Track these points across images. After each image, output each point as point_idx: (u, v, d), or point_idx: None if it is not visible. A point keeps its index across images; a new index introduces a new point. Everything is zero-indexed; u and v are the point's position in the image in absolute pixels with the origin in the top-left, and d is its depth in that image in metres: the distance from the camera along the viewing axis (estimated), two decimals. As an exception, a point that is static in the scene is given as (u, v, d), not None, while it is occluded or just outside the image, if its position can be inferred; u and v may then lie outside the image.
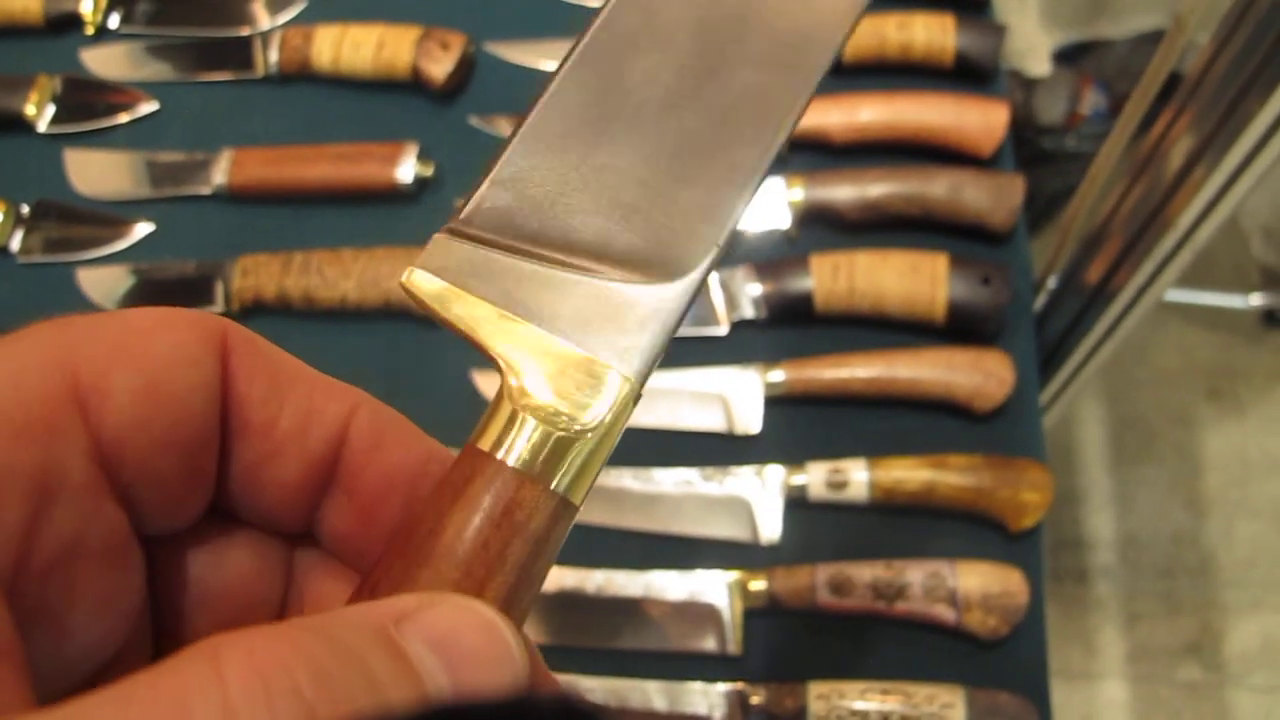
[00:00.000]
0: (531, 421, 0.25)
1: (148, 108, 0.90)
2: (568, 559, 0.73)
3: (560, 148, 0.28)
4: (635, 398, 0.27)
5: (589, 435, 0.26)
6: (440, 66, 0.86)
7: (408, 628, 0.20)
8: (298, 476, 0.25)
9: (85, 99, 0.91)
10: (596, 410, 0.26)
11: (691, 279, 0.27)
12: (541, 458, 0.25)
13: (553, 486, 0.25)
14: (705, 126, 0.29)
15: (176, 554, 0.26)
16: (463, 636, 0.21)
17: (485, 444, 0.25)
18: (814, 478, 0.72)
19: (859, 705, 0.66)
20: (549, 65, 0.87)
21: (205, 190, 0.86)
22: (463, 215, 0.27)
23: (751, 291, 0.78)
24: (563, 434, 0.26)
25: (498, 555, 0.24)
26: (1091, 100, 1.44)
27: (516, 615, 0.24)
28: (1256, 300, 1.63)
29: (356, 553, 0.27)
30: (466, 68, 0.89)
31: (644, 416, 0.77)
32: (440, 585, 0.23)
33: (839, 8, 0.30)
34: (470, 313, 0.27)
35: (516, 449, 0.25)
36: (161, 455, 0.23)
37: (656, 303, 0.27)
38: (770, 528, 0.72)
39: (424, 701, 0.20)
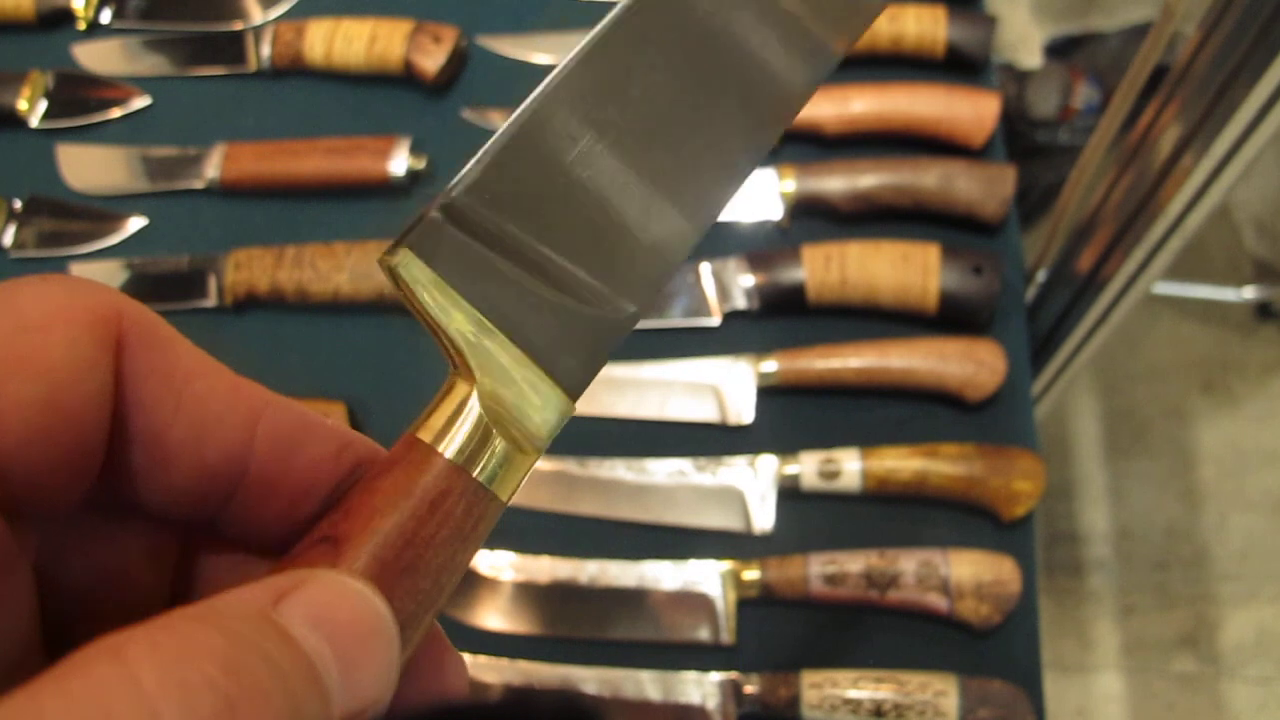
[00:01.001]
0: (473, 419, 0.26)
1: (140, 103, 0.90)
2: (562, 550, 0.73)
3: (551, 151, 0.29)
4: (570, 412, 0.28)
5: (528, 445, 0.27)
6: (432, 60, 0.86)
7: (286, 609, 0.20)
8: (191, 485, 0.24)
9: (77, 94, 0.91)
10: (540, 421, 0.27)
11: (640, 311, 0.29)
12: (478, 455, 0.26)
13: (484, 481, 0.26)
14: (677, 160, 0.29)
15: (57, 543, 0.24)
16: (338, 611, 0.21)
17: (425, 435, 0.26)
18: (807, 468, 0.73)
19: (852, 694, 0.66)
20: (541, 58, 0.87)
21: (198, 185, 0.86)
22: (454, 197, 0.27)
23: (744, 282, 0.78)
24: (502, 437, 0.26)
25: (425, 543, 0.25)
26: (1084, 94, 1.45)
27: (436, 604, 0.25)
28: (1249, 293, 1.64)
29: (266, 541, 0.26)
30: (459, 61, 0.89)
31: (637, 408, 0.77)
32: (364, 571, 0.24)
33: (807, 74, 0.31)
34: (448, 309, 0.26)
35: (455, 443, 0.26)
36: (51, 466, 0.22)
37: (610, 328, 0.29)
38: (763, 518, 0.73)
39: (317, 683, 0.20)
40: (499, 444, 0.26)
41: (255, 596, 0.20)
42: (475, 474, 0.26)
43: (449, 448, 0.25)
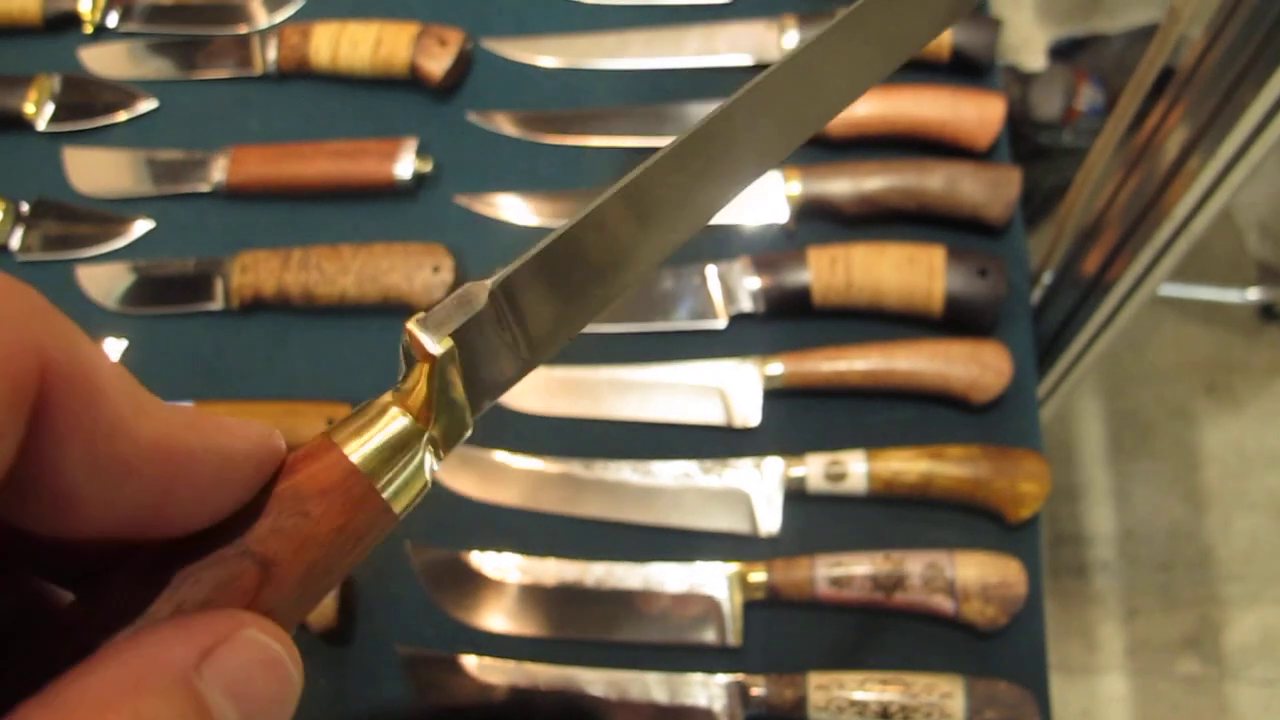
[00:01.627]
0: (413, 466, 0.27)
1: (146, 106, 0.91)
2: (568, 552, 0.73)
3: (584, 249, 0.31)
4: None
5: (428, 469, 0.28)
6: (438, 63, 0.86)
7: (209, 674, 0.22)
8: (93, 533, 0.22)
9: (84, 97, 0.91)
10: (448, 446, 0.28)
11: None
12: (403, 494, 0.27)
13: (397, 515, 0.27)
14: None
15: None
16: (255, 680, 0.23)
17: (338, 437, 0.27)
18: (813, 469, 0.73)
19: (858, 696, 0.66)
20: (546, 61, 0.87)
21: (204, 188, 0.86)
22: (493, 291, 0.28)
23: (749, 285, 0.78)
24: (411, 454, 0.28)
25: (340, 568, 0.26)
26: (1088, 96, 1.45)
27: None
28: (1253, 295, 1.64)
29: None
30: (464, 64, 0.89)
31: (642, 410, 0.77)
32: (290, 600, 0.25)
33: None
34: (457, 384, 0.28)
35: (394, 484, 0.27)
36: None
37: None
38: (769, 520, 0.73)
39: None
40: (420, 484, 0.28)
41: (179, 656, 0.21)
42: (397, 513, 0.27)
43: (388, 489, 0.27)
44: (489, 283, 0.28)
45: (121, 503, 0.22)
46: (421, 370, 0.28)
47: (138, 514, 0.23)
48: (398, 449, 0.27)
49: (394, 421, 0.27)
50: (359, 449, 0.27)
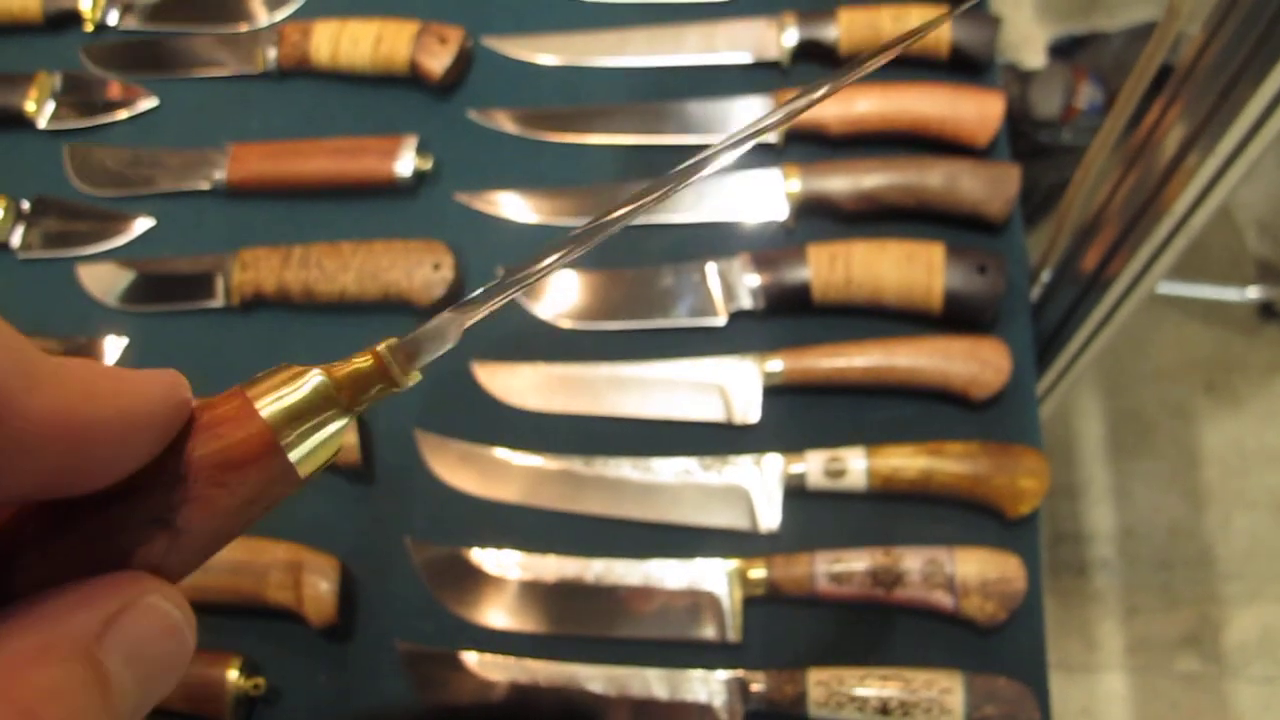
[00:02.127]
0: (308, 389, 0.28)
1: (147, 104, 0.91)
2: (568, 549, 0.73)
3: None
4: None
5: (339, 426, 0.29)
6: (438, 61, 0.87)
7: (109, 643, 0.22)
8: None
9: (85, 96, 0.91)
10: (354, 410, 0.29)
11: None
12: (300, 436, 0.28)
13: (295, 462, 0.27)
14: None
15: None
16: (153, 647, 0.24)
17: (252, 392, 0.28)
18: (812, 466, 0.73)
19: (858, 691, 0.66)
20: (545, 59, 0.87)
21: (205, 185, 0.86)
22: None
23: (749, 282, 0.78)
24: (326, 421, 0.28)
25: (241, 530, 0.27)
26: (1087, 94, 1.45)
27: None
28: (1253, 293, 1.64)
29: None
30: (464, 62, 0.89)
31: (642, 407, 0.77)
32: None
33: None
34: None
35: (274, 407, 0.27)
36: None
37: None
38: (769, 516, 0.73)
39: (112, 712, 0.22)
40: (331, 452, 0.28)
41: (81, 625, 0.22)
42: (303, 479, 0.28)
43: (305, 466, 0.27)
44: (464, 322, 0.30)
45: (20, 476, 0.22)
46: (367, 367, 0.29)
47: (39, 482, 0.23)
48: (314, 417, 0.28)
49: (312, 385, 0.28)
50: (278, 416, 0.27)
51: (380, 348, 0.29)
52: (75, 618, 0.22)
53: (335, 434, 0.28)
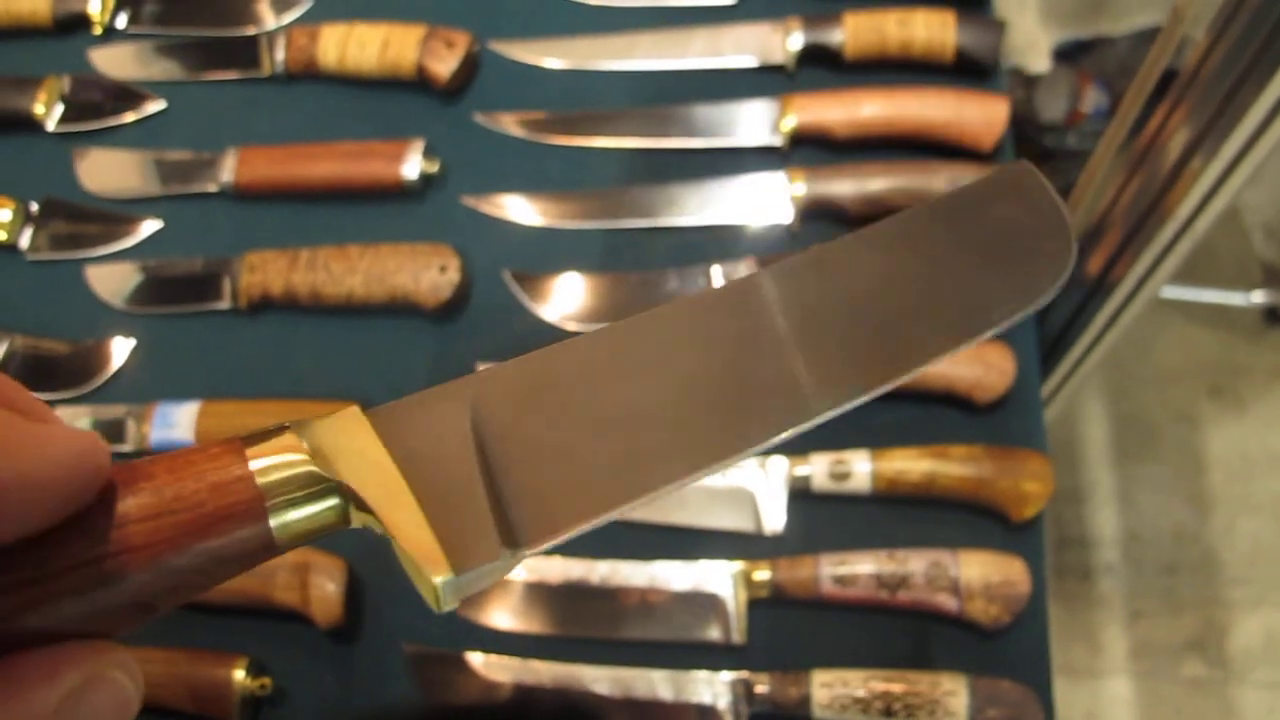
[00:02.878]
0: (304, 468, 0.29)
1: (155, 107, 0.91)
2: (573, 550, 0.73)
3: None
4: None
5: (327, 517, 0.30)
6: (445, 65, 0.87)
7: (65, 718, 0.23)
8: None
9: (93, 98, 0.92)
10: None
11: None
12: (286, 496, 0.29)
13: (270, 519, 0.28)
14: None
15: None
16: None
17: (251, 451, 0.28)
18: (817, 469, 0.73)
19: (862, 693, 0.67)
20: (552, 63, 0.88)
21: (212, 188, 0.87)
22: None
23: (754, 285, 0.78)
24: (326, 505, 0.29)
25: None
26: (1092, 98, 1.45)
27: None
28: (1258, 298, 1.64)
29: None
30: (471, 66, 0.89)
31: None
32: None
33: None
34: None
35: (272, 475, 0.28)
36: None
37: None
38: (774, 518, 0.73)
39: None
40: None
41: (42, 703, 0.23)
42: (270, 519, 0.28)
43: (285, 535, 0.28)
44: None
45: None
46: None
47: None
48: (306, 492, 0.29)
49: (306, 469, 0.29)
50: (248, 443, 0.28)
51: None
52: (36, 695, 0.23)
53: (324, 511, 0.29)
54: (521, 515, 0.31)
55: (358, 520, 0.30)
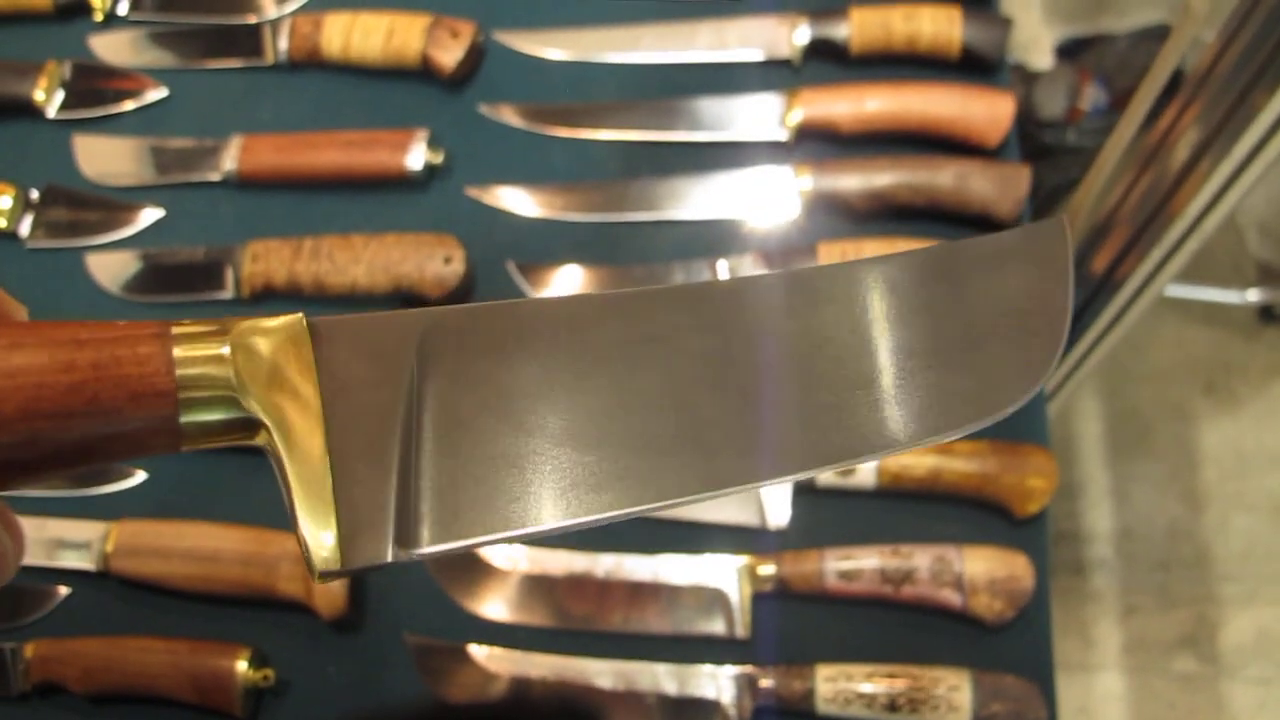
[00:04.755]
0: (225, 390, 0.29)
1: (156, 94, 0.91)
2: (578, 543, 0.73)
3: None
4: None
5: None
6: (450, 54, 0.87)
7: None
8: None
9: (94, 85, 0.91)
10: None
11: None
12: (200, 407, 0.29)
13: (180, 415, 0.28)
14: None
15: None
16: None
17: (178, 333, 0.29)
18: (821, 464, 0.73)
19: (866, 688, 0.67)
20: (557, 54, 0.87)
21: (215, 176, 0.86)
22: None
23: (759, 279, 0.78)
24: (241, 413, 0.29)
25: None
26: (1092, 95, 1.45)
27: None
28: (1253, 296, 1.64)
29: None
30: (476, 56, 0.89)
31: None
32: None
33: None
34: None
35: (195, 369, 0.29)
36: None
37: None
38: (778, 513, 0.73)
39: None
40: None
41: None
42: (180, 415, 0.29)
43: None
44: None
45: None
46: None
47: None
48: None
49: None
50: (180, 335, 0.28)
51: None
52: None
53: (232, 430, 0.28)
54: (430, 510, 0.29)
55: (262, 439, 0.29)
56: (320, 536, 0.28)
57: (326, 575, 0.28)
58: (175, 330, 0.29)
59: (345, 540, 0.28)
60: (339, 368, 0.29)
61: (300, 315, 0.30)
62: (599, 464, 0.30)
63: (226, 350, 0.29)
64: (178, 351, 0.28)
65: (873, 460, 0.35)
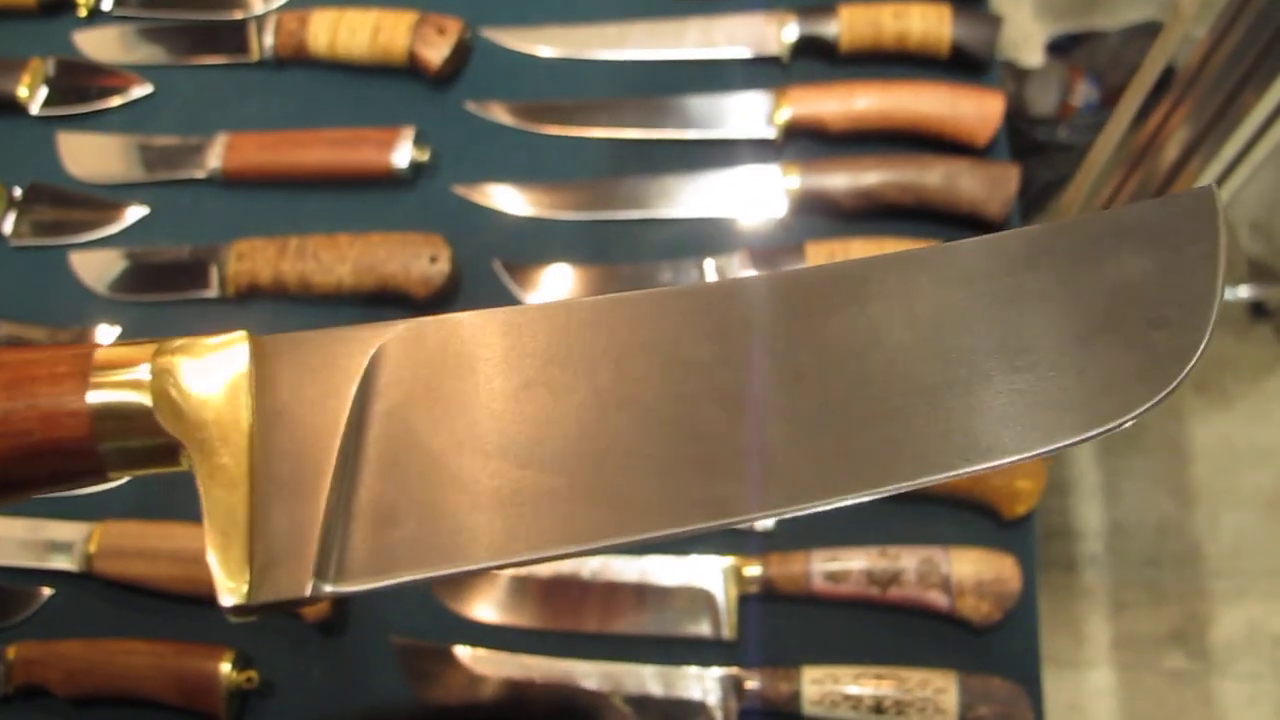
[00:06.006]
0: (144, 417, 0.27)
1: (141, 91, 0.90)
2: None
3: None
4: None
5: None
6: (436, 51, 0.86)
7: None
8: None
9: (78, 82, 0.90)
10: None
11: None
12: (119, 439, 0.27)
13: (100, 449, 0.27)
14: None
15: None
16: None
17: (100, 358, 0.27)
18: (809, 465, 0.73)
19: (853, 690, 0.66)
20: (545, 51, 0.87)
21: (200, 174, 0.86)
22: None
23: (747, 279, 0.78)
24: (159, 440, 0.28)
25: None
26: (1083, 92, 1.45)
27: None
28: (1244, 293, 1.64)
29: None
30: (463, 53, 0.89)
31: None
32: None
33: None
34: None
35: (108, 419, 0.27)
36: None
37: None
38: (765, 514, 0.73)
39: None
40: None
41: None
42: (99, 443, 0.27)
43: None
44: None
45: None
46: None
47: None
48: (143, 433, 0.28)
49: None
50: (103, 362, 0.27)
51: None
52: None
53: (156, 457, 0.27)
54: (357, 540, 0.26)
55: (185, 464, 0.28)
56: (229, 567, 0.26)
57: (235, 611, 0.26)
58: (99, 354, 0.28)
59: (259, 572, 0.26)
60: (280, 388, 0.28)
61: (244, 333, 0.29)
62: (570, 488, 0.27)
63: (146, 371, 0.27)
64: (95, 376, 0.27)
65: (926, 484, 0.28)
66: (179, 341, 0.28)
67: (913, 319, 0.29)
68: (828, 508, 0.28)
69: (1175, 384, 0.30)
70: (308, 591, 0.26)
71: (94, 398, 0.27)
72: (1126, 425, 0.29)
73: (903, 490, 0.28)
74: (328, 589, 0.26)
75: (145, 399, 0.27)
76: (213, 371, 0.28)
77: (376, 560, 0.26)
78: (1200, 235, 0.30)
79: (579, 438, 0.27)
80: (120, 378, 0.27)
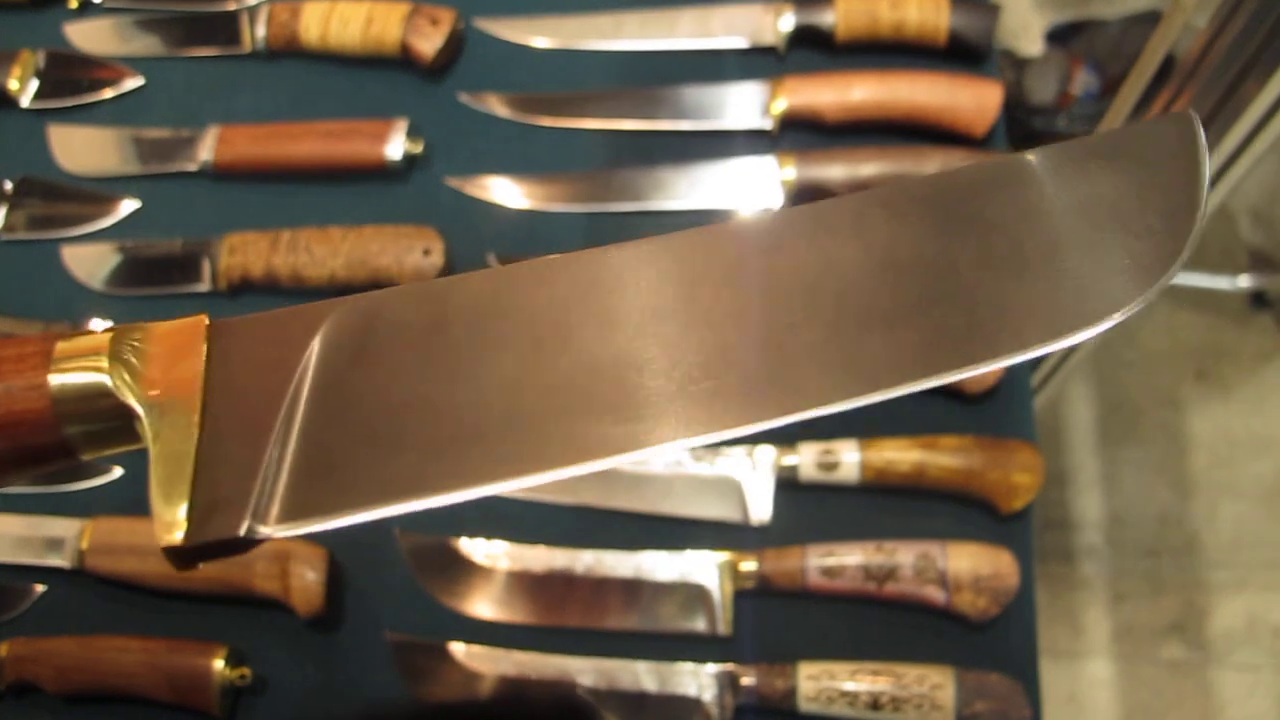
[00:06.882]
0: (102, 394, 0.29)
1: (133, 83, 0.89)
2: (558, 540, 0.72)
3: None
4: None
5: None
6: (429, 43, 0.85)
7: None
8: None
9: (69, 74, 0.89)
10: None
11: None
12: (80, 415, 0.29)
13: (64, 429, 0.29)
14: None
15: None
16: None
17: (63, 344, 0.29)
18: (805, 458, 0.72)
19: (849, 686, 0.66)
20: (539, 41, 0.86)
21: (191, 167, 0.85)
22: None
23: (743, 272, 0.77)
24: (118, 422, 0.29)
25: None
26: (1083, 81, 1.44)
27: None
28: (1244, 282, 1.64)
29: None
30: (456, 44, 0.88)
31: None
32: None
33: None
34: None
35: (73, 377, 0.29)
36: None
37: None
38: (761, 509, 0.72)
39: None
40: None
41: None
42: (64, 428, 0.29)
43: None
44: None
45: None
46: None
47: None
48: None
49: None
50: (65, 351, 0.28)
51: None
52: None
53: (117, 433, 0.29)
54: (292, 486, 0.28)
55: (139, 432, 0.30)
56: (171, 512, 0.28)
57: (175, 552, 0.28)
58: (62, 342, 0.30)
59: (199, 516, 0.28)
60: (233, 359, 0.30)
61: (202, 316, 0.31)
62: (525, 430, 0.29)
63: (105, 350, 0.29)
64: (57, 359, 0.29)
65: (894, 394, 0.31)
66: (137, 326, 0.31)
67: (872, 247, 0.33)
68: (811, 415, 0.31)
69: (1158, 286, 0.31)
70: (242, 532, 0.28)
71: (56, 379, 0.28)
72: (1111, 324, 0.31)
73: (873, 400, 0.31)
74: (263, 530, 0.28)
75: (104, 376, 0.29)
76: (169, 346, 0.30)
77: (309, 504, 0.28)
78: (1182, 154, 0.32)
79: (501, 389, 0.29)
80: (81, 361, 0.29)
